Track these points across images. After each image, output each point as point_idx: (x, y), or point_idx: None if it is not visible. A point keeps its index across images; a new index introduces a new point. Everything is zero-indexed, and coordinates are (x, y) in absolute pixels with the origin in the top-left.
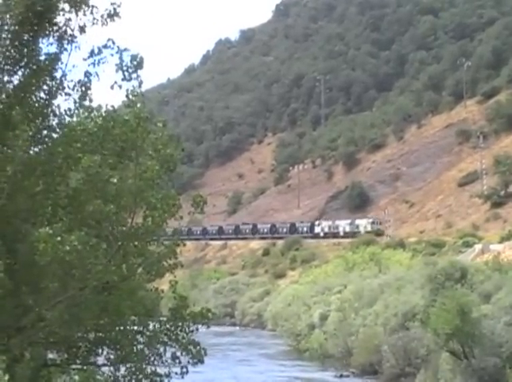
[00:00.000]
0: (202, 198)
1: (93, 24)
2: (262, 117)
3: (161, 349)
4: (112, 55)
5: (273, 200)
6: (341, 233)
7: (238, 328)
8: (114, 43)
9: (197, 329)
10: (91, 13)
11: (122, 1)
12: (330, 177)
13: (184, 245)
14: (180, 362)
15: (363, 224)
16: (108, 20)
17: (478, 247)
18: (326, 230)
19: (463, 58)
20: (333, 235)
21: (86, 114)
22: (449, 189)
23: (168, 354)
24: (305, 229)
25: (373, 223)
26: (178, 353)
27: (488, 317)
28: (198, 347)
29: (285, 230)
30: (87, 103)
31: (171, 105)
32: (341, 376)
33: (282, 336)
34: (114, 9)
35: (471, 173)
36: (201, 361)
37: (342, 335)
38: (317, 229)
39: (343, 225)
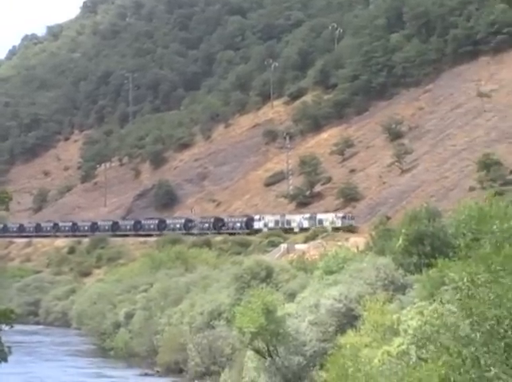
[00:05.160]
0: (7, 195)
1: None
2: (69, 114)
3: None
4: None
5: (79, 197)
6: (295, 229)
7: (42, 326)
8: None
9: (0, 330)
10: None
11: None
12: (137, 175)
13: None
14: None
15: (329, 218)
16: None
17: (283, 246)
18: (271, 225)
19: (270, 59)
20: (284, 231)
21: None
22: (256, 189)
23: None
24: (238, 225)
25: (343, 218)
26: None
27: (293, 315)
28: (1, 347)
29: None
30: None
31: None
32: (146, 374)
33: (87, 334)
34: None
35: (278, 173)
36: (5, 360)
37: (147, 334)
38: (258, 225)
39: (299, 220)
